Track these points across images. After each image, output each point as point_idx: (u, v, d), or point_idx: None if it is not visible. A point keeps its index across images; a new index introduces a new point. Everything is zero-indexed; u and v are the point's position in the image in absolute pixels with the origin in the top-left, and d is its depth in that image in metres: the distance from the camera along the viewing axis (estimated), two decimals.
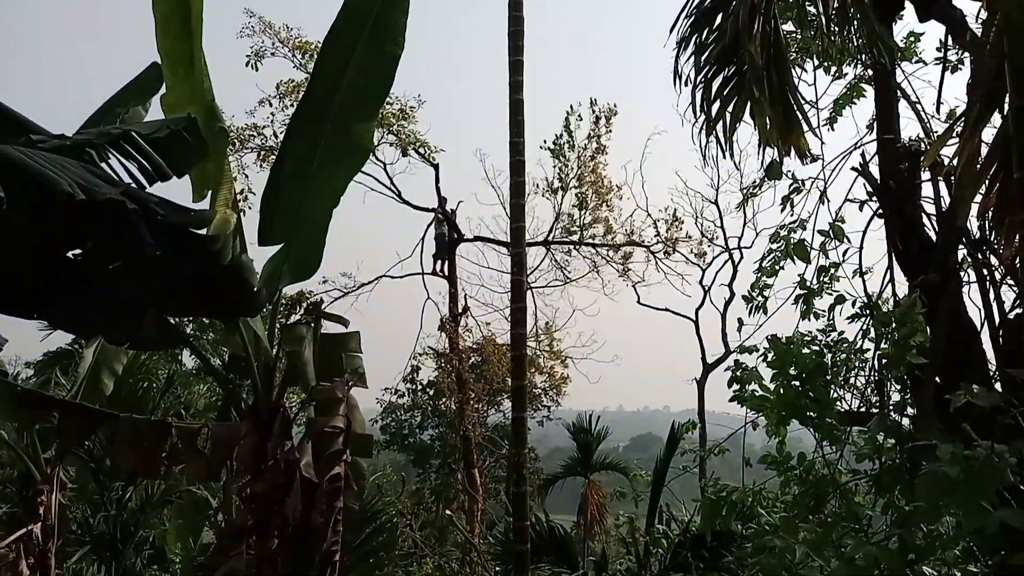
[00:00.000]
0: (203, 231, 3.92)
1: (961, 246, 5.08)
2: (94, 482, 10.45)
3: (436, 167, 19.70)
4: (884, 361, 4.70)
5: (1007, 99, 3.95)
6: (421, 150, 19.12)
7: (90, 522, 10.47)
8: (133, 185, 4.09)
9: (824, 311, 5.52)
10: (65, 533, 8.25)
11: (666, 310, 22.63)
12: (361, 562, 8.87)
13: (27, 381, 11.93)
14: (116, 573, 10.32)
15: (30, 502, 7.07)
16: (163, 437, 5.13)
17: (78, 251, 4.02)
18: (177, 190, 4.82)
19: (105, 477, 10.20)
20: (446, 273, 20.18)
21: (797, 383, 4.50)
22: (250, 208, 14.19)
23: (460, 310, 20.01)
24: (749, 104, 4.73)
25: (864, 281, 5.56)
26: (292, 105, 17.43)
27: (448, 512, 18.85)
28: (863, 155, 5.50)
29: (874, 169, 5.41)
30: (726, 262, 21.74)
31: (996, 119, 4.31)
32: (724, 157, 5.08)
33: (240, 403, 5.33)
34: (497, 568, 11.99)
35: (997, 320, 4.92)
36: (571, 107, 20.25)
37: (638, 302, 21.96)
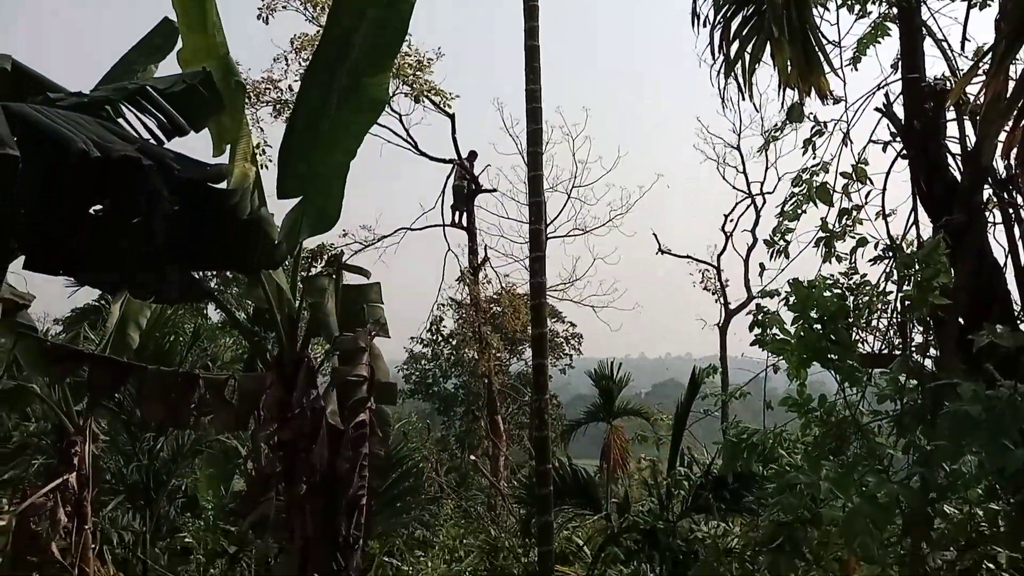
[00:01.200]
0: (222, 185, 3.94)
1: (986, 186, 4.99)
2: (126, 433, 10.70)
3: (452, 117, 19.52)
4: (907, 303, 4.66)
5: None
6: (436, 99, 18.91)
7: (123, 472, 10.75)
8: (151, 141, 4.11)
9: (847, 254, 5.46)
10: (99, 483, 8.49)
11: (688, 257, 22.53)
12: (388, 507, 9.07)
13: (56, 337, 12.14)
14: (150, 521, 10.63)
15: (64, 453, 7.26)
16: (191, 388, 5.23)
17: (99, 207, 4.05)
18: (196, 145, 4.83)
19: (136, 428, 10.43)
20: (465, 224, 20.15)
21: (818, 326, 4.49)
22: (270, 162, 14.15)
23: (479, 261, 20.03)
24: (769, 44, 4.62)
25: (887, 223, 5.48)
26: (307, 60, 17.30)
27: (472, 457, 19.15)
28: (887, 95, 5.37)
29: (898, 109, 5.29)
30: (748, 207, 21.56)
31: (1023, 54, 4.19)
32: (743, 99, 4.99)
33: (265, 355, 5.41)
34: (522, 511, 12.20)
35: (1023, 260, 4.86)
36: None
37: (659, 250, 21.87)
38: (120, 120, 4.22)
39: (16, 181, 3.22)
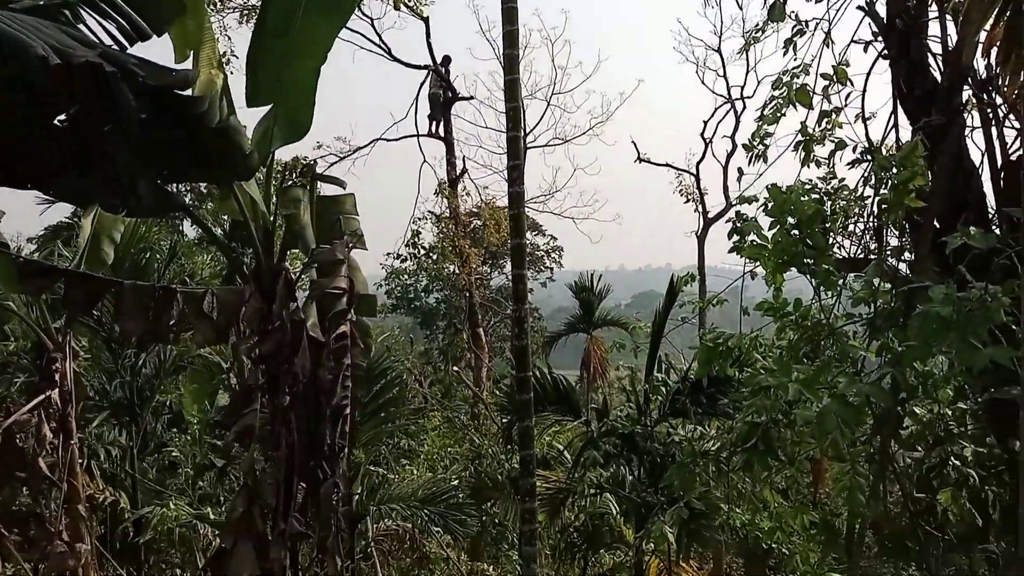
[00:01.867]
0: (188, 92, 3.82)
1: (966, 87, 4.95)
2: (107, 351, 10.73)
3: (426, 20, 18.85)
4: (883, 206, 4.68)
5: None
6: (410, 3, 18.29)
7: (107, 389, 10.82)
8: (113, 46, 3.96)
9: (825, 159, 5.44)
10: (83, 399, 8.54)
11: (667, 165, 22.43)
12: (372, 417, 9.23)
13: (30, 255, 12.01)
14: (137, 436, 10.77)
15: (45, 370, 7.27)
16: (169, 303, 5.20)
17: (63, 118, 3.94)
18: (157, 52, 4.67)
19: (117, 345, 10.45)
20: (442, 135, 19.79)
21: (795, 231, 4.51)
22: (234, 72, 13.74)
23: (457, 173, 19.78)
24: None
25: (866, 126, 5.45)
26: None
27: (455, 369, 19.42)
28: None
29: (881, 8, 5.20)
30: (728, 112, 21.36)
31: None
32: None
33: (243, 269, 5.38)
34: (503, 419, 12.47)
35: (1000, 162, 4.87)
36: None
37: (638, 159, 21.72)
38: (80, 26, 4.06)
39: None
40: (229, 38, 17.18)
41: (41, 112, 3.79)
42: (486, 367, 19.44)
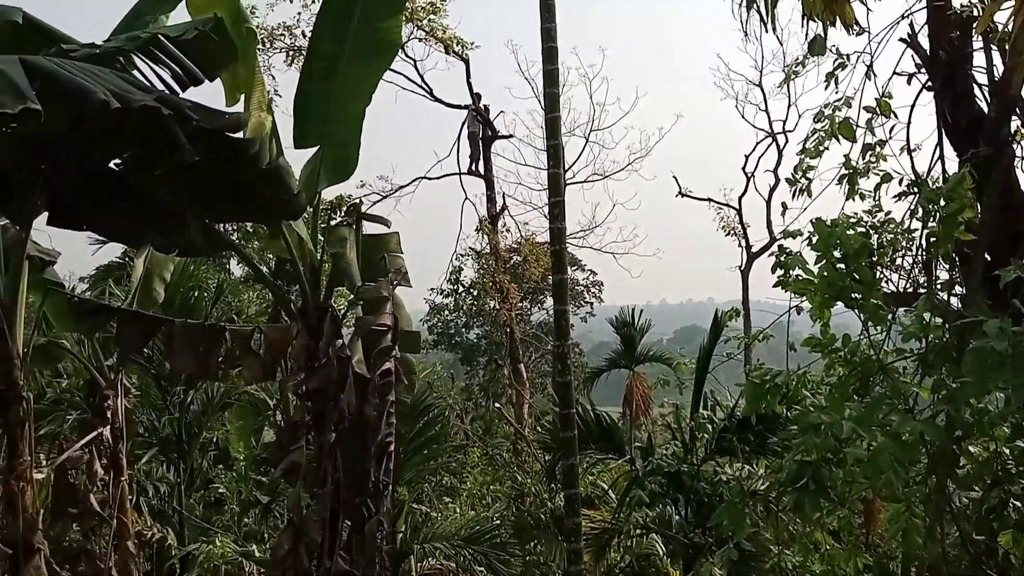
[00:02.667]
0: (239, 135, 3.94)
1: (1014, 117, 4.87)
2: (156, 388, 10.92)
3: (467, 61, 19.21)
4: (932, 239, 4.60)
5: None
6: (454, 45, 18.64)
7: (156, 425, 11.01)
8: (166, 91, 4.11)
9: (870, 191, 5.38)
10: (133, 436, 8.69)
11: (708, 200, 22.33)
12: (415, 454, 9.23)
13: (82, 294, 12.35)
14: (184, 472, 10.91)
15: (98, 408, 7.43)
16: (218, 340, 5.31)
17: (119, 160, 4.08)
18: (210, 95, 4.82)
19: (166, 382, 10.64)
20: (482, 172, 19.98)
21: (842, 265, 4.45)
22: (282, 112, 14.09)
23: (498, 209, 19.91)
24: None
25: (912, 158, 5.38)
26: (316, 2, 17.05)
27: (497, 405, 19.36)
28: (911, 25, 5.23)
29: (924, 40, 5.16)
30: (770, 147, 21.26)
31: None
32: (767, 32, 4.89)
33: (290, 306, 5.48)
34: (546, 457, 12.36)
35: None
36: None
37: (679, 193, 21.68)
38: (134, 71, 4.22)
39: (38, 135, 3.24)
40: (274, 77, 17.61)
41: (99, 156, 3.94)
42: (527, 403, 19.36)
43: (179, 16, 5.09)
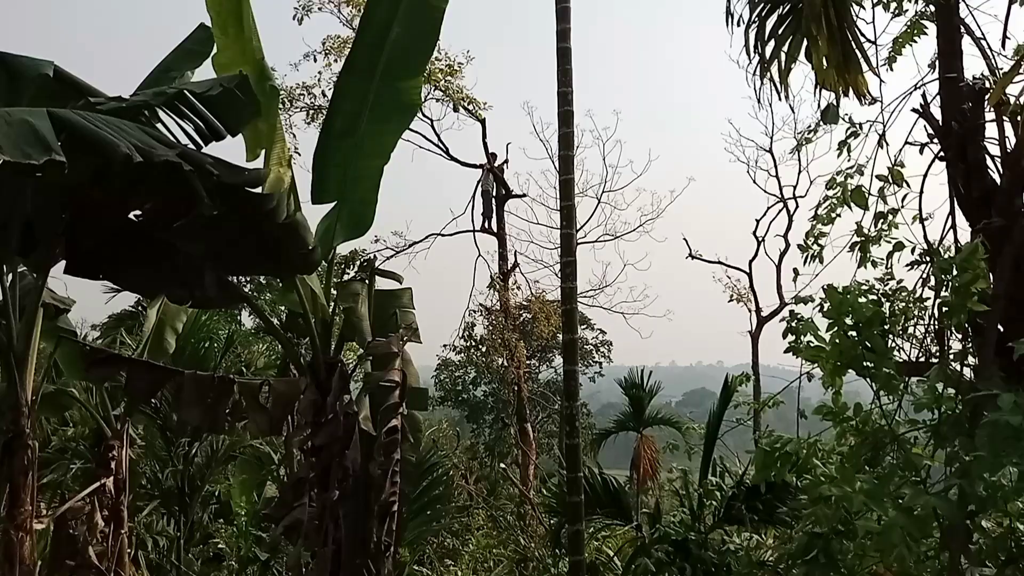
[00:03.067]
0: (258, 189, 4.01)
1: None
2: (161, 438, 10.87)
3: (483, 122, 19.57)
4: (944, 309, 4.59)
5: None
6: (469, 106, 19.02)
7: (158, 477, 10.92)
8: (189, 146, 4.19)
9: (882, 259, 5.39)
10: (135, 487, 8.64)
11: (719, 262, 22.37)
12: (418, 514, 9.10)
13: (93, 342, 12.39)
14: (184, 526, 10.77)
15: (102, 458, 7.40)
16: (226, 393, 5.31)
17: (139, 212, 4.15)
18: (231, 149, 4.91)
19: (172, 433, 10.60)
20: (495, 230, 20.17)
21: (853, 333, 4.44)
22: (300, 167, 14.30)
23: (509, 267, 20.05)
24: (805, 43, 4.59)
25: (924, 227, 5.40)
26: (337, 62, 17.47)
27: (502, 466, 19.14)
28: (924, 95, 5.30)
29: (936, 110, 5.23)
30: (780, 211, 21.37)
31: None
32: (779, 100, 4.95)
33: (299, 360, 5.48)
34: (551, 521, 12.17)
35: None
36: None
37: (690, 255, 21.75)
38: (158, 125, 4.32)
39: (61, 186, 3.31)
40: (294, 135, 17.90)
41: (120, 207, 4.00)
42: (533, 464, 19.13)
43: (206, 70, 5.23)
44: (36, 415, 5.66)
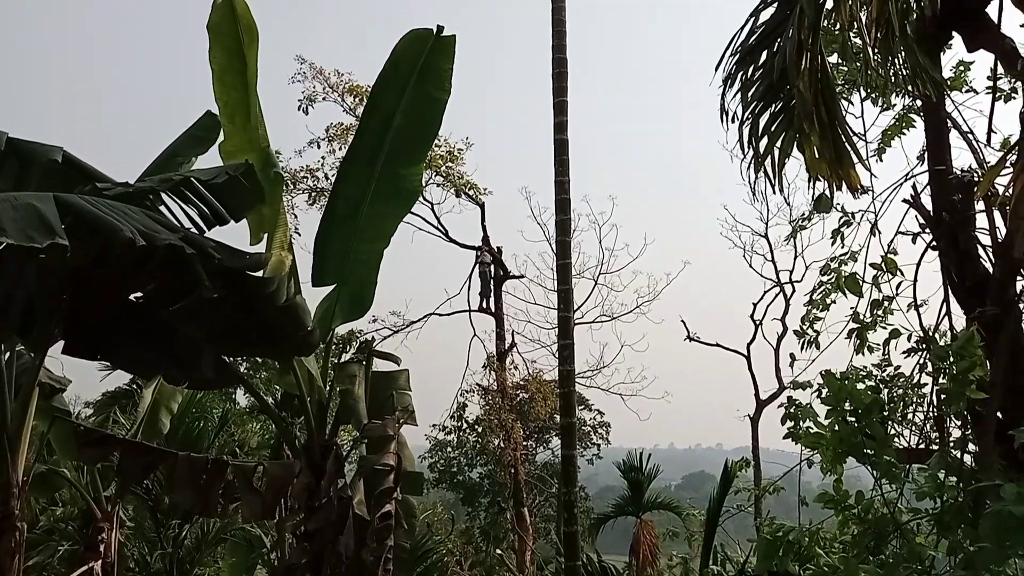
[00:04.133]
0: (259, 273, 4.04)
1: (1020, 278, 4.96)
2: (151, 520, 10.65)
3: (482, 206, 19.94)
4: (943, 396, 4.58)
5: None
6: (470, 191, 19.39)
7: (147, 560, 10.64)
8: (193, 230, 4.25)
9: (879, 345, 5.41)
10: (124, 570, 8.41)
11: (717, 345, 22.34)
12: None
13: (87, 420, 12.27)
14: None
15: (91, 539, 7.23)
16: (219, 475, 5.23)
17: (139, 294, 4.17)
18: (233, 231, 4.97)
19: (162, 515, 10.39)
20: (492, 310, 20.25)
21: (852, 420, 4.42)
22: (301, 248, 14.41)
23: (506, 347, 20.01)
24: (797, 139, 4.71)
25: (919, 315, 5.44)
26: (341, 148, 17.83)
27: (498, 552, 18.72)
28: (914, 186, 5.42)
29: (926, 200, 5.33)
30: (777, 295, 21.47)
31: None
32: (774, 192, 5.05)
33: (293, 440, 5.42)
34: None
35: None
36: None
37: (688, 338, 21.74)
38: (163, 208, 4.38)
39: (64, 269, 3.34)
40: (296, 216, 18.10)
41: (121, 290, 4.03)
42: (530, 550, 18.70)
43: (212, 157, 5.33)
44: (26, 495, 5.55)
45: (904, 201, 5.33)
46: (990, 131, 5.44)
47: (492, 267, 20.17)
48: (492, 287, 20.24)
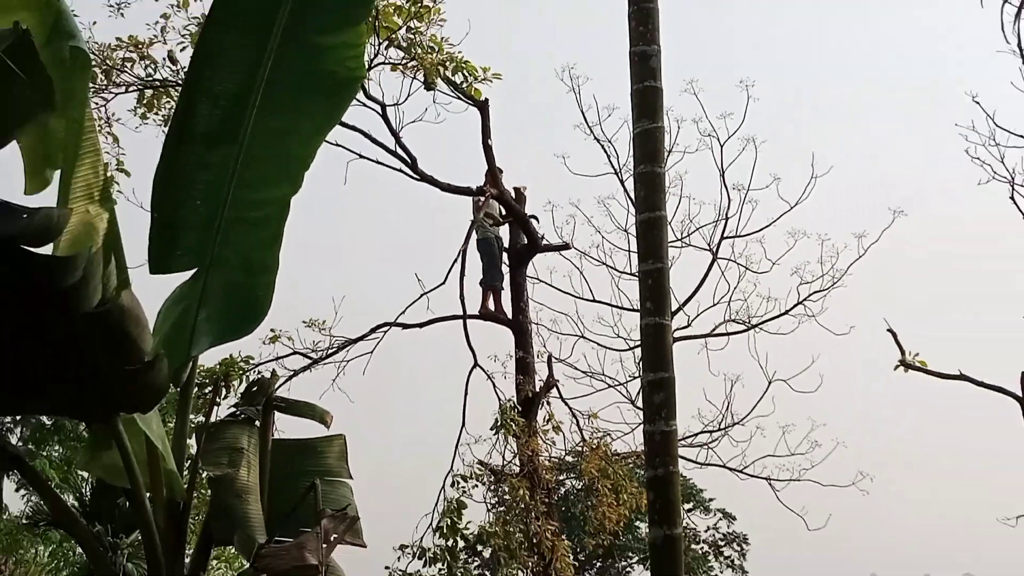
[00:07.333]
0: (47, 249, 4.02)
1: None
2: None
3: (482, 106, 19.10)
4: None
5: None
6: (456, 77, 18.53)
7: None
8: None
9: None
10: None
11: (982, 384, 22.19)
12: None
13: None
14: None
15: None
16: None
17: None
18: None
19: None
20: (508, 313, 19.91)
21: None
22: (128, 202, 14.30)
23: (539, 387, 19.78)
24: None
25: None
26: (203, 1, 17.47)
27: None
28: None
29: None
30: None
31: None
32: None
33: None
34: None
35: None
36: None
37: (902, 363, 21.71)
38: None
39: None
40: (115, 138, 17.77)
41: None
42: None
43: None
44: None
45: None
46: None
47: (506, 229, 19.94)
48: (506, 269, 20.02)
